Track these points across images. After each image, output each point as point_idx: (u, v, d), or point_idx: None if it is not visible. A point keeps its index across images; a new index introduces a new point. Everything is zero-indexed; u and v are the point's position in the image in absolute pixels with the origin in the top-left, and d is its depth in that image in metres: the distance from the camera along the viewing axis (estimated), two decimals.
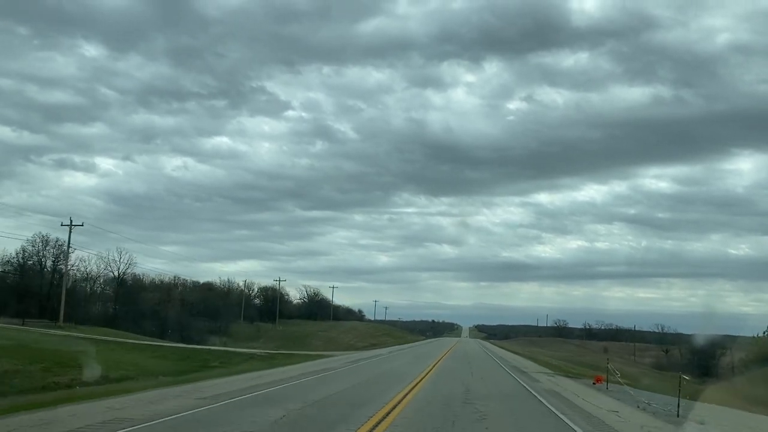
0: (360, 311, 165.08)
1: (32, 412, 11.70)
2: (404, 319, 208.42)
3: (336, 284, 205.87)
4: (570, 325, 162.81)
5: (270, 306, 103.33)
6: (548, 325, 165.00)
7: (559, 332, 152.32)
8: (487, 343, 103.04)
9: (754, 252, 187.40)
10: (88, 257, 69.74)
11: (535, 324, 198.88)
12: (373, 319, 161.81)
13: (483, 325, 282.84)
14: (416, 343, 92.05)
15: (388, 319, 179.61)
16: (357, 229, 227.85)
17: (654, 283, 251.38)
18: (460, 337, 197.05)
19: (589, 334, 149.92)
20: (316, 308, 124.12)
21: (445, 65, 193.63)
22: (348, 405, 14.19)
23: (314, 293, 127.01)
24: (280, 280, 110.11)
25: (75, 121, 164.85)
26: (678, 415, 14.59)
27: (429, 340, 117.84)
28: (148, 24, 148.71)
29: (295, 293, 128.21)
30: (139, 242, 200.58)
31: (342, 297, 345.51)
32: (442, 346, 74.55)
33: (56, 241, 56.58)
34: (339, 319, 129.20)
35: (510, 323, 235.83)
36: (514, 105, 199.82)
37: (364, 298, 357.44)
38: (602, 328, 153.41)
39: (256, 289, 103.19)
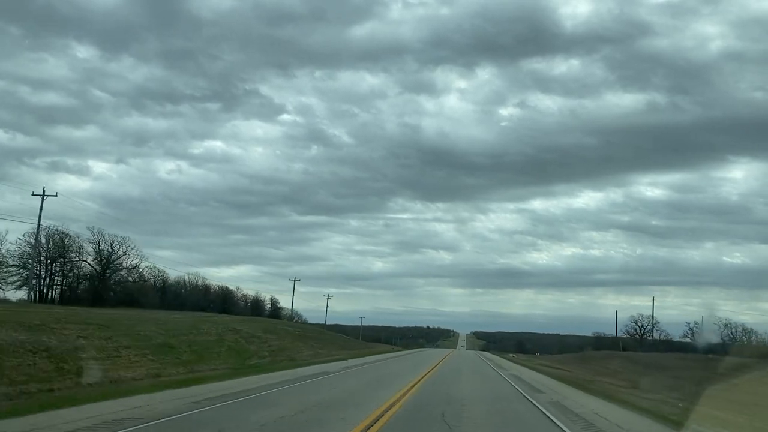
0: (293, 309, 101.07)
1: None
2: (399, 326, 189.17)
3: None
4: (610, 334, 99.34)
5: None
6: (599, 333, 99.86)
7: (633, 344, 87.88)
8: (536, 376, 36.95)
9: (750, 260, 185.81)
10: None
11: (536, 331, 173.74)
12: (305, 321, 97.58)
13: (481, 332, 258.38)
14: (298, 375, 28.43)
15: (331, 322, 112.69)
16: (353, 235, 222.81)
17: (649, 291, 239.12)
18: (455, 348, 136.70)
19: (692, 347, 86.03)
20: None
21: (438, 70, 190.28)
22: None
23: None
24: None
25: (67, 124, 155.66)
26: None
27: (393, 355, 61.18)
28: (141, 25, 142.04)
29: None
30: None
31: (340, 303, 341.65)
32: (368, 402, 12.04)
33: None
34: (245, 314, 65.89)
35: (511, 330, 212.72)
36: (507, 111, 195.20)
37: (361, 304, 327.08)
38: (715, 339, 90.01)
39: None
